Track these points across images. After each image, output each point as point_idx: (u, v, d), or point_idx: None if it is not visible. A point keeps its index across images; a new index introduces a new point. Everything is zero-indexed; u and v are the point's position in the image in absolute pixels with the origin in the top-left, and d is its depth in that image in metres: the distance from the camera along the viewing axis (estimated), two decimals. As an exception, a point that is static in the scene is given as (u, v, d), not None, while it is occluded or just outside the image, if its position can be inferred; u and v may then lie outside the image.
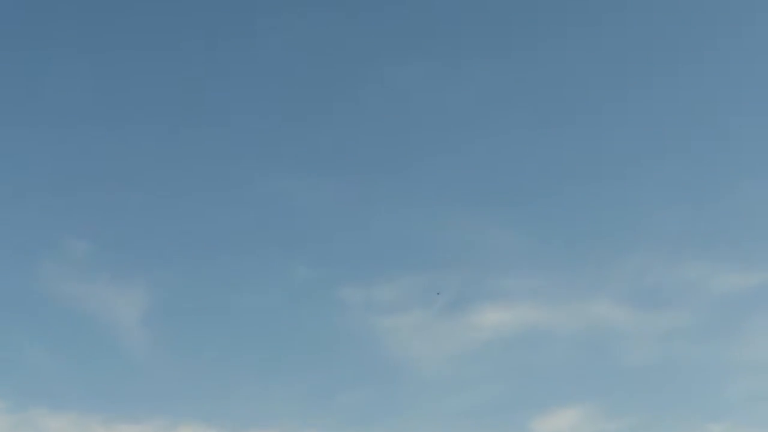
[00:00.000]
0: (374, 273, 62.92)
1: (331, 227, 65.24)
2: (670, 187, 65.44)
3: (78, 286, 62.71)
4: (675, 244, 63.05)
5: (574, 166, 67.20)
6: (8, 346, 60.04)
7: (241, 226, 65.64)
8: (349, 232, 65.10)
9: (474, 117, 68.88)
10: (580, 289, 61.88)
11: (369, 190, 66.73)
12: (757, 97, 68.05)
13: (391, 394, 59.02)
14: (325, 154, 68.36)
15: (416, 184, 66.76)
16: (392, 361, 60.05)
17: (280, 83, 70.90)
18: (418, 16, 71.59)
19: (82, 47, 70.82)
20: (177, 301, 62.59)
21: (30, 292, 62.21)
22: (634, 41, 70.26)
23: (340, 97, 70.13)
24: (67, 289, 62.44)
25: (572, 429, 57.35)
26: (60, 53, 70.91)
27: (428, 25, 71.15)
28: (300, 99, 70.07)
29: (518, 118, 68.73)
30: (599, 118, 69.02)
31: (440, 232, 64.34)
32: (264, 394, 58.75)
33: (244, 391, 58.99)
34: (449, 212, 65.08)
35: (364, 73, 70.80)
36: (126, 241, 64.85)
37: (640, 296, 61.52)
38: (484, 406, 58.00)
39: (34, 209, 65.64)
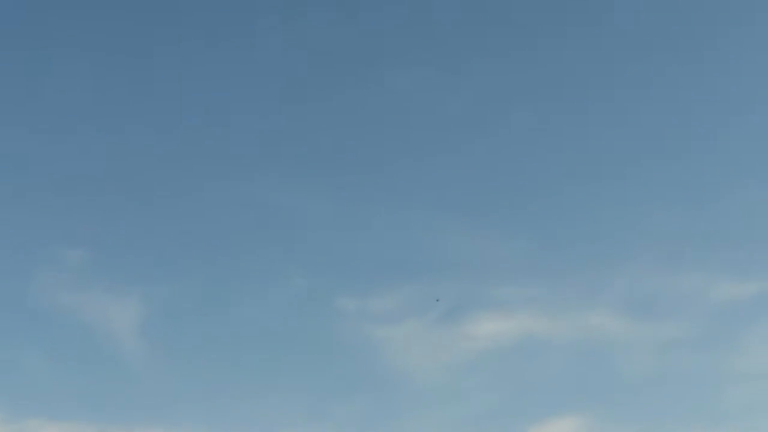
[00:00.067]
0: (371, 282, 63.09)
1: (328, 236, 65.37)
2: (668, 196, 65.61)
3: (74, 295, 62.88)
4: (672, 254, 63.12)
5: (570, 174, 67.37)
6: (5, 356, 60.11)
7: (238, 235, 65.84)
8: (346, 241, 65.20)
9: (468, 124, 69.12)
10: (577, 299, 61.97)
11: (366, 199, 66.89)
12: (755, 104, 68.29)
13: (387, 404, 59.03)
14: (322, 161, 68.51)
15: (413, 193, 66.98)
16: (389, 371, 60.13)
17: (279, 88, 71.23)
18: (415, 20, 71.89)
19: (78, 51, 71.28)
20: (174, 310, 62.79)
21: (26, 300, 62.43)
22: (631, 45, 70.60)
23: (338, 103, 70.36)
24: (63, 298, 62.62)
25: (569, 439, 57.52)
26: (58, 58, 71.45)
27: (426, 29, 71.46)
28: (298, 105, 70.29)
29: (516, 126, 68.97)
30: (597, 124, 69.34)
31: (437, 241, 64.45)
32: (261, 403, 58.73)
33: (241, 400, 58.96)
34: (446, 221, 65.23)
35: (363, 77, 71.12)
36: (122, 250, 65.04)
37: (637, 306, 61.64)
38: (481, 416, 58.00)
39: (31, 217, 65.82)
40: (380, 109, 69.97)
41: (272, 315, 62.24)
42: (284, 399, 58.84)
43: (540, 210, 65.87)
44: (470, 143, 68.31)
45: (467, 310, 61.83)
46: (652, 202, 65.05)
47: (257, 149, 69.25)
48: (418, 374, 59.97)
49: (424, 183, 67.19)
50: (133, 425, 57.65)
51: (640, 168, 66.91)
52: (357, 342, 61.13)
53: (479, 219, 65.19)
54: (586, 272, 62.66)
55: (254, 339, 61.60)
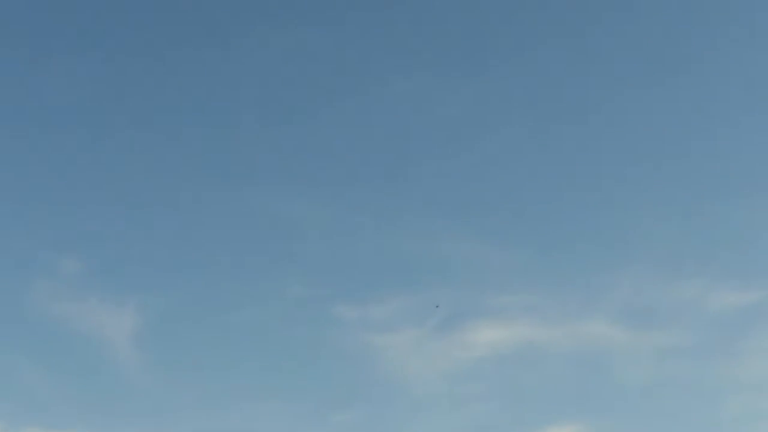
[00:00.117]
0: (369, 290, 63.02)
1: (326, 244, 65.37)
2: (666, 204, 65.62)
3: (70, 304, 62.72)
4: (670, 262, 63.14)
5: (569, 182, 67.44)
6: (1, 365, 59.93)
7: (235, 244, 65.79)
8: (344, 249, 65.14)
9: (464, 133, 69.13)
10: (576, 307, 61.96)
11: (364, 207, 66.83)
12: (753, 112, 68.41)
13: (386, 412, 58.98)
14: (320, 169, 68.47)
15: (412, 201, 66.94)
16: (387, 379, 60.07)
17: (277, 96, 71.21)
18: (412, 27, 71.91)
19: (76, 57, 71.25)
20: (170, 319, 62.65)
21: (22, 310, 62.31)
22: (624, 53, 70.67)
23: (336, 111, 70.31)
24: (59, 307, 62.47)
25: (568, 447, 57.45)
26: (55, 65, 71.20)
27: (419, 38, 71.49)
28: (296, 114, 70.23)
29: (511, 134, 68.98)
30: (596, 132, 69.39)
31: (436, 249, 64.38)
32: (258, 411, 58.58)
33: (238, 409, 58.77)
34: (445, 229, 65.19)
35: (360, 84, 71.10)
36: (118, 259, 64.92)
37: (635, 314, 61.62)
38: (480, 424, 57.90)
39: (26, 226, 65.76)
40: (378, 116, 70.15)
41: (270, 323, 62.31)
42: (282, 407, 58.81)
43: (539, 218, 66.07)
44: (468, 150, 68.47)
45: (466, 318, 61.96)
46: (651, 211, 65.23)
47: (255, 157, 69.37)
48: (416, 382, 60.01)
49: (423, 191, 67.38)
50: (129, 434, 57.74)
51: (638, 176, 67.22)
52: (355, 350, 61.20)
53: (478, 227, 65.34)
54: (584, 280, 62.84)
55: (252, 347, 61.67)
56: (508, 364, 60.59)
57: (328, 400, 59.00)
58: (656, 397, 58.08)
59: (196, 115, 70.34)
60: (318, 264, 64.16)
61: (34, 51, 70.54)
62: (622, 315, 61.21)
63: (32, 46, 70.79)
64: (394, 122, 69.65)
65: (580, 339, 60.72)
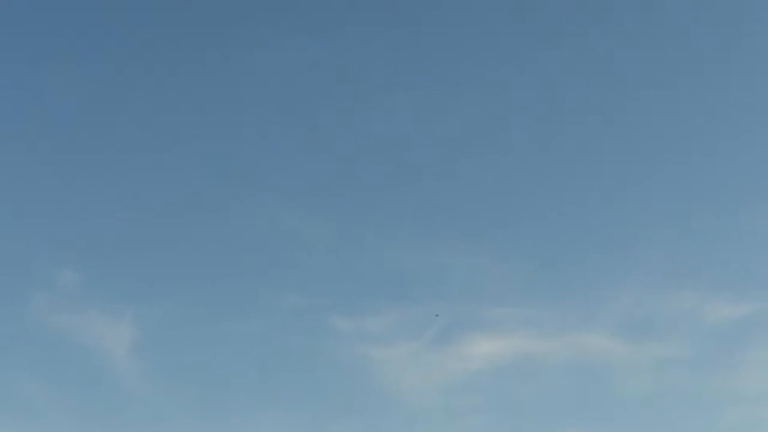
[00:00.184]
0: (366, 302, 62.98)
1: (323, 256, 65.40)
2: (663, 216, 65.65)
3: (69, 316, 62.78)
4: (667, 274, 63.09)
5: (566, 196, 67.50)
6: (0, 377, 60.04)
7: (232, 255, 65.90)
8: (341, 261, 65.20)
9: (464, 146, 69.27)
10: (573, 319, 61.85)
11: (361, 219, 66.98)
12: (751, 124, 68.50)
13: (382, 424, 58.66)
14: (318, 182, 68.66)
15: (409, 214, 67.02)
16: (384, 391, 59.94)
17: (274, 111, 71.41)
18: (409, 41, 72.21)
19: (75, 68, 71.47)
20: (168, 330, 62.66)
21: (21, 323, 62.30)
22: (622, 66, 70.88)
23: (330, 124, 70.58)
24: (58, 319, 62.53)
25: (565, 459, 57.23)
26: (54, 75, 71.51)
27: (420, 50, 71.84)
28: (290, 126, 70.50)
29: (508, 147, 69.15)
30: (593, 146, 69.49)
31: (433, 262, 64.43)
32: (255, 423, 58.35)
33: (235, 421, 58.63)
34: (441, 242, 65.26)
35: (355, 101, 71.25)
36: (116, 271, 65.01)
37: (633, 326, 61.47)
38: (477, 437, 57.90)
39: (25, 239, 65.86)
40: (377, 128, 70.34)
41: (267, 333, 62.20)
42: (279, 419, 58.60)
43: (536, 231, 66.10)
44: (465, 164, 68.63)
45: (463, 331, 61.86)
46: (648, 224, 65.34)
47: (253, 168, 69.57)
48: (413, 394, 59.89)
49: (421, 203, 67.49)
50: (128, 445, 57.74)
51: (635, 190, 67.39)
52: (352, 362, 61.12)
53: (475, 240, 65.38)
54: (582, 293, 62.82)
55: (249, 359, 61.57)
56: (506, 376, 60.58)
57: (324, 410, 58.96)
58: (654, 409, 57.96)
59: (196, 125, 70.95)
60: (315, 275, 64.38)
61: (32, 60, 71.31)
62: (619, 327, 61.25)
63: (30, 54, 71.57)
64: (393, 134, 70.05)
65: (577, 351, 60.75)
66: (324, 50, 71.13)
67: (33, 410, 58.53)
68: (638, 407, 58.05)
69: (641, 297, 62.16)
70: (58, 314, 62.56)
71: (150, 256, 65.53)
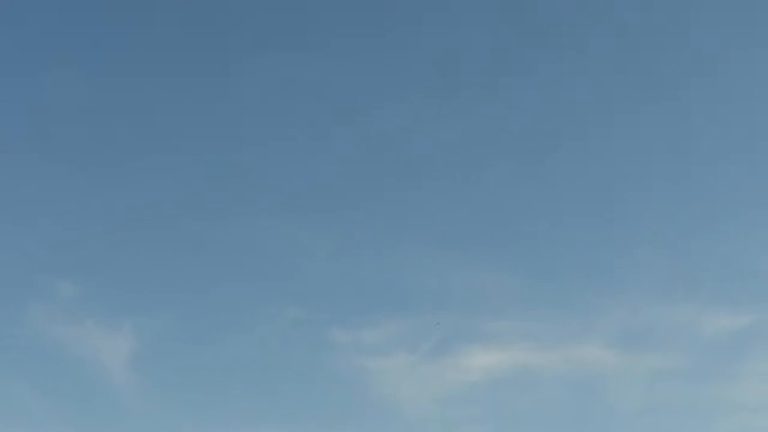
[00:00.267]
0: (363, 314, 63.01)
1: (320, 268, 65.35)
2: (659, 229, 65.74)
3: (66, 328, 62.71)
4: (664, 286, 63.20)
5: (562, 209, 67.52)
6: (-3, 389, 59.91)
7: (231, 268, 65.86)
8: (339, 273, 65.19)
9: (462, 158, 69.31)
10: (570, 331, 61.94)
11: (358, 231, 66.99)
12: (743, 139, 68.73)
13: (380, 436, 58.92)
14: (314, 194, 68.67)
15: (406, 226, 67.01)
16: (381, 403, 59.97)
17: (268, 123, 71.48)
18: (403, 56, 72.24)
19: (74, 77, 71.48)
20: (165, 342, 62.58)
21: (18, 334, 62.13)
22: (621, 78, 71.02)
23: (328, 137, 70.60)
24: (54, 331, 62.44)
25: (562, 471, 57.34)
26: (52, 86, 71.60)
27: (414, 66, 71.82)
28: (289, 137, 70.57)
29: (507, 161, 69.25)
30: (587, 159, 69.62)
31: (430, 274, 64.49)
32: (252, 435, 58.59)
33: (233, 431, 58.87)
34: (438, 254, 65.32)
35: (353, 112, 71.27)
36: (114, 282, 64.91)
37: (630, 338, 61.60)
38: (474, 449, 57.94)
39: (22, 249, 65.91)
40: (373, 143, 70.37)
41: (264, 347, 62.21)
42: (276, 429, 58.62)
43: (533, 243, 66.10)
44: (463, 177, 68.70)
45: (460, 343, 61.96)
46: (644, 236, 65.41)
47: (251, 183, 69.58)
48: (410, 406, 59.91)
49: (417, 216, 67.47)
50: (125, 458, 57.68)
51: (631, 202, 67.48)
52: (349, 374, 61.15)
53: (472, 252, 65.48)
54: (579, 305, 62.86)
55: (246, 371, 61.55)
56: (503, 388, 60.65)
57: (323, 422, 58.91)
58: (651, 420, 58.03)
59: (195, 136, 70.91)
60: (313, 287, 64.33)
61: (31, 71, 71.43)
62: (616, 339, 61.40)
63: (29, 71, 71.68)
64: (391, 146, 70.04)
65: (574, 363, 60.84)
66: (315, 65, 71.42)
67: (30, 421, 58.49)
68: (635, 419, 58.26)
69: (638, 309, 62.49)
70: (55, 325, 62.63)
71: (149, 267, 65.62)
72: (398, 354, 61.50)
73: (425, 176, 68.85)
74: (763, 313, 61.03)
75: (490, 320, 62.50)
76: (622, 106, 70.04)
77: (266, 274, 65.26)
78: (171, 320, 62.94)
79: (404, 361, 61.34)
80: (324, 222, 66.98)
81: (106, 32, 72.67)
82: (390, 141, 69.81)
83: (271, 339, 62.29)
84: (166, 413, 59.29)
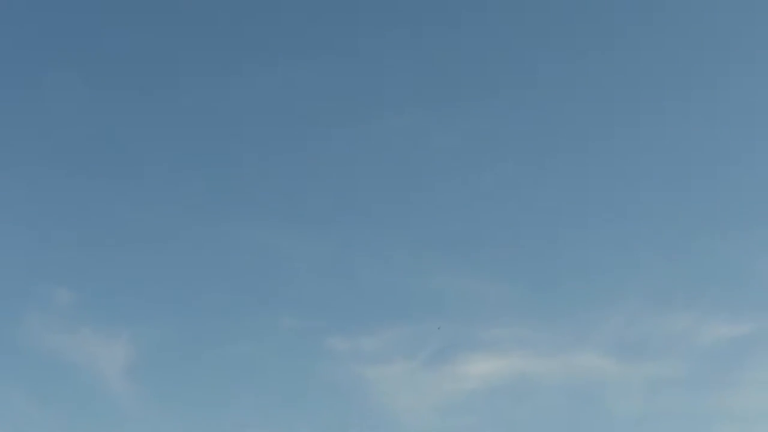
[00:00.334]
0: (361, 322, 63.01)
1: (318, 276, 65.36)
2: (658, 236, 65.81)
3: (63, 336, 62.66)
4: (662, 294, 63.18)
5: (560, 217, 67.54)
6: (-8, 397, 59.82)
7: (228, 277, 65.83)
8: (336, 281, 65.19)
9: (458, 167, 69.39)
10: (568, 340, 61.91)
11: (356, 239, 66.97)
12: (743, 149, 68.83)
13: (378, 445, 58.84)
14: (310, 203, 68.70)
15: (403, 234, 67.06)
16: (379, 411, 59.89)
17: (267, 132, 71.57)
18: (401, 63, 72.42)
19: (72, 87, 71.44)
20: (162, 352, 62.54)
21: (15, 342, 62.18)
22: (622, 86, 71.17)
23: (325, 146, 70.71)
24: (52, 340, 62.39)
25: (560, 479, 57.27)
26: (51, 98, 71.57)
27: (412, 72, 72.02)
28: (285, 148, 70.64)
29: (504, 169, 69.25)
30: (588, 166, 69.68)
31: (428, 282, 64.49)
32: (250, 445, 58.50)
33: (230, 441, 58.75)
34: (436, 262, 65.34)
35: (349, 121, 71.28)
36: (111, 290, 64.92)
37: (628, 346, 61.54)
38: (471, 457, 57.86)
39: (18, 257, 65.91)
40: (370, 150, 70.54)
41: (263, 355, 62.15)
42: (274, 440, 58.68)
43: (531, 251, 66.17)
44: (460, 184, 68.78)
45: (458, 351, 61.92)
46: (642, 244, 65.43)
47: (247, 191, 69.61)
48: (408, 414, 59.82)
49: (415, 224, 67.57)
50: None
51: (630, 210, 67.52)
52: (347, 382, 61.11)
53: (470, 260, 65.49)
54: (577, 313, 62.86)
55: (244, 380, 61.52)
56: (501, 396, 60.59)
57: (320, 430, 59.03)
58: (649, 429, 57.98)
59: (188, 150, 70.98)
60: (311, 296, 64.34)
61: (31, 80, 71.53)
62: (614, 347, 61.33)
63: (28, 76, 71.72)
64: (387, 156, 70.19)
65: (572, 371, 60.79)
66: (313, 73, 71.61)
67: (27, 429, 58.49)
68: (633, 427, 58.10)
69: (636, 317, 62.42)
70: (52, 333, 62.60)
71: (145, 278, 65.60)
72: (396, 362, 61.58)
73: (423, 183, 69.20)
74: (762, 321, 61.21)
75: (488, 328, 62.59)
76: (620, 113, 70.41)
77: (263, 282, 65.44)
78: (168, 328, 63.05)
79: (402, 369, 61.41)
80: (321, 229, 67.25)
81: (107, 35, 73.26)
82: (384, 152, 70.16)
83: (269, 347, 62.40)
84: (163, 421, 59.33)
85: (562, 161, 69.28)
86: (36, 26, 72.65)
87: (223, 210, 68.02)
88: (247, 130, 71.32)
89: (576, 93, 71.47)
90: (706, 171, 68.70)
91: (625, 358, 60.90)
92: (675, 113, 70.15)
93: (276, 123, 71.30)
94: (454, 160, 69.25)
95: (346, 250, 66.25)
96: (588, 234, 66.66)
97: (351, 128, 70.80)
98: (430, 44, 72.27)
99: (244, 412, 59.90)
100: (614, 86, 71.38)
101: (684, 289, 63.11)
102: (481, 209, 67.86)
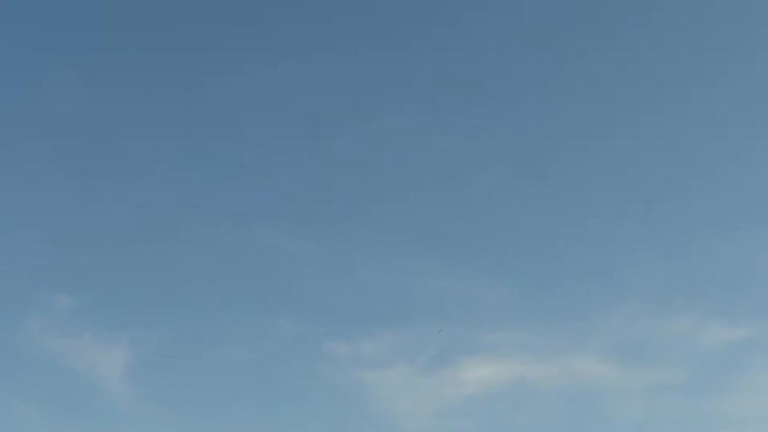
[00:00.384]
0: (360, 326, 63.01)
1: (318, 280, 65.31)
2: (657, 240, 65.72)
3: (63, 340, 62.73)
4: (661, 298, 63.18)
5: (559, 220, 67.55)
6: (-8, 402, 59.93)
7: (227, 280, 65.83)
8: (336, 285, 65.12)
9: (457, 171, 69.32)
10: (567, 344, 61.93)
11: (355, 243, 66.93)
12: (742, 152, 68.73)
13: (377, 449, 58.93)
14: (310, 206, 68.64)
15: (402, 238, 67.00)
16: (378, 415, 59.90)
17: (265, 135, 71.52)
18: (401, 65, 72.42)
19: (70, 94, 71.45)
20: (162, 356, 62.57)
21: (15, 347, 62.23)
22: (618, 91, 71.09)
23: (322, 152, 70.62)
24: (51, 344, 62.43)
25: (559, 485, 57.35)
26: (50, 103, 71.54)
27: (412, 75, 72.06)
28: (285, 151, 70.59)
29: (502, 172, 69.20)
30: (584, 170, 69.56)
31: (427, 286, 64.42)
32: (250, 450, 58.61)
33: (230, 446, 58.84)
34: (435, 266, 65.25)
35: (349, 124, 71.26)
36: (110, 295, 64.89)
37: (627, 350, 61.60)
38: (471, 461, 57.98)
39: (19, 263, 65.92)
40: (369, 153, 70.44)
41: (262, 359, 62.17)
42: (273, 445, 58.77)
43: (530, 255, 66.13)
44: (460, 187, 68.75)
45: (457, 355, 61.96)
46: (642, 247, 65.32)
47: (247, 194, 69.58)
48: (407, 418, 59.87)
49: (414, 227, 67.50)
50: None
51: (629, 213, 67.46)
52: (347, 386, 61.14)
53: (469, 264, 65.46)
54: (576, 317, 62.83)
55: (243, 384, 61.51)
56: (500, 401, 60.62)
57: (319, 436, 59.17)
58: (647, 434, 58.15)
59: (188, 152, 70.92)
60: (310, 300, 64.36)
61: (31, 80, 71.52)
62: (613, 352, 61.37)
63: (28, 76, 71.70)
64: (386, 159, 70.12)
65: (571, 376, 60.81)
66: (313, 75, 71.61)
67: (27, 433, 58.73)
68: (633, 431, 58.32)
69: (635, 322, 62.42)
70: (52, 338, 62.65)
71: (144, 282, 65.61)
72: (396, 366, 61.59)
73: (421, 188, 69.09)
74: (761, 325, 61.16)
75: (487, 332, 62.61)
76: (617, 120, 70.36)
77: (263, 286, 65.47)
78: (167, 333, 63.10)
79: (402, 374, 61.44)
80: (321, 233, 67.21)
81: (107, 35, 73.26)
82: (383, 155, 70.12)
83: (268, 351, 62.43)
84: (163, 425, 59.35)
85: (561, 163, 69.54)
86: (36, 26, 72.78)
87: (222, 212, 68.24)
88: (246, 131, 71.44)
89: (576, 93, 71.69)
90: (706, 172, 68.93)
91: (625, 363, 61.10)
92: (675, 113, 70.36)
93: (275, 124, 71.48)
94: (453, 164, 69.41)
95: (346, 254, 66.41)
96: (587, 238, 66.81)
97: (351, 129, 70.95)
98: (429, 46, 72.43)
99: (244, 416, 60.08)
100: (614, 86, 71.55)
101: (683, 292, 63.27)
102: (481, 212, 68.00)
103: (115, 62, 72.48)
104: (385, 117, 70.49)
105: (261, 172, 70.09)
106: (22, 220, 67.64)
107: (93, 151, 70.44)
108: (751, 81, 69.92)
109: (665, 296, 63.01)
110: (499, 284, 64.12)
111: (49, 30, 72.73)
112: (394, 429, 59.26)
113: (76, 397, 60.80)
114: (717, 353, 60.98)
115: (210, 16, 73.14)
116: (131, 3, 73.12)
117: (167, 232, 67.33)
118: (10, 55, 71.89)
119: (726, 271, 63.77)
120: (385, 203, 68.73)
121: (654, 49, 71.30)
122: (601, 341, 61.43)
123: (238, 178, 69.92)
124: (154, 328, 63.06)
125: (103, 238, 67.06)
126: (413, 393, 60.93)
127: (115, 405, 60.06)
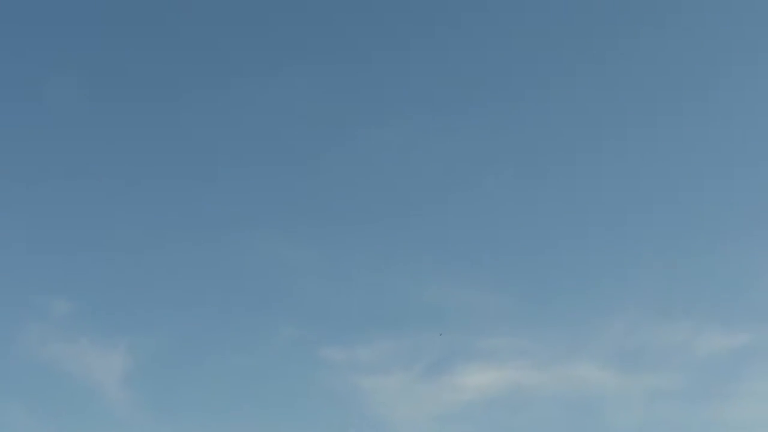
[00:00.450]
0: (358, 333, 63.05)
1: (315, 287, 65.30)
2: (655, 247, 65.62)
3: (61, 346, 62.74)
4: (659, 305, 63.14)
5: (558, 226, 67.52)
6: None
7: (225, 286, 65.85)
8: (333, 292, 65.14)
9: (454, 177, 69.38)
10: (565, 350, 61.91)
11: (353, 250, 66.95)
12: (743, 156, 68.67)
13: (374, 455, 58.90)
14: (309, 214, 68.66)
15: (400, 245, 67.04)
16: (376, 421, 59.86)
17: (265, 142, 71.53)
18: (402, 73, 72.52)
19: (72, 99, 71.50)
20: (160, 361, 62.60)
21: (12, 351, 62.30)
22: (615, 95, 71.11)
23: (320, 157, 70.68)
24: (50, 350, 62.49)
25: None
26: (50, 103, 71.66)
27: (412, 81, 72.10)
28: (283, 159, 70.62)
29: (501, 179, 69.22)
30: (584, 176, 69.59)
31: (424, 293, 64.47)
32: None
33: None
34: (433, 273, 65.28)
35: (344, 133, 71.38)
36: (108, 301, 64.95)
37: (625, 357, 61.54)
38: (468, 468, 57.95)
39: (17, 268, 65.97)
40: (368, 160, 70.51)
41: (259, 365, 62.15)
42: (271, 450, 58.77)
43: (527, 261, 66.18)
44: (458, 194, 68.83)
45: (455, 361, 61.92)
46: (640, 254, 65.33)
47: (243, 202, 69.64)
48: (405, 425, 59.80)
49: (412, 234, 67.56)
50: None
51: (627, 220, 67.47)
52: (344, 392, 61.12)
53: (466, 270, 65.40)
54: (573, 323, 62.77)
55: (241, 389, 61.55)
56: (497, 407, 60.55)
57: (316, 442, 59.16)
58: (646, 440, 58.07)
59: (188, 156, 71.07)
60: (307, 306, 64.33)
61: (31, 84, 71.67)
62: (611, 358, 61.29)
63: (28, 80, 71.84)
64: (384, 166, 70.23)
65: (569, 382, 60.76)
66: (314, 83, 71.73)
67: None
68: (630, 438, 58.29)
69: (633, 328, 62.34)
70: (50, 344, 62.71)
71: (142, 287, 65.63)
72: (393, 372, 61.59)
73: (419, 195, 69.17)
74: (759, 332, 61.11)
75: (485, 338, 62.55)
76: (616, 126, 70.39)
77: (260, 293, 65.46)
78: (165, 339, 63.13)
79: (399, 380, 61.42)
80: (318, 240, 67.20)
81: (107, 39, 73.43)
82: (381, 163, 70.22)
83: (266, 357, 62.46)
84: (160, 431, 59.47)
85: (558, 172, 69.62)
86: (36, 30, 72.90)
87: (220, 218, 68.21)
88: (246, 135, 71.51)
89: (577, 96, 71.66)
90: (705, 179, 68.80)
91: (623, 369, 61.02)
92: (675, 119, 70.37)
93: (276, 130, 71.45)
94: (451, 171, 69.53)
95: (343, 261, 66.43)
96: (585, 245, 66.82)
97: (352, 135, 71.06)
98: (430, 49, 72.48)
99: (241, 421, 60.06)
100: (615, 89, 71.51)
101: (681, 300, 63.29)
102: (480, 218, 68.03)
103: (115, 65, 72.80)
104: (382, 125, 70.78)
105: (260, 177, 70.31)
106: (20, 224, 67.99)
107: (92, 155, 70.74)
108: (750, 86, 70.03)
109: (664, 302, 63.15)
110: (498, 290, 64.25)
111: (50, 33, 73.09)
112: (393, 435, 59.44)
113: (74, 402, 61.00)
114: (715, 359, 61.09)
115: (210, 19, 73.41)
116: (132, 6, 73.36)
117: (166, 238, 67.55)
118: (11, 58, 72.21)
119: (724, 277, 63.94)
120: (383, 210, 68.95)
121: (656, 51, 71.50)
122: (599, 347, 61.52)
123: (237, 183, 70.18)
124: (152, 333, 63.30)
125: (101, 243, 67.36)
126: (411, 399, 61.02)
127: (113, 410, 60.21)
